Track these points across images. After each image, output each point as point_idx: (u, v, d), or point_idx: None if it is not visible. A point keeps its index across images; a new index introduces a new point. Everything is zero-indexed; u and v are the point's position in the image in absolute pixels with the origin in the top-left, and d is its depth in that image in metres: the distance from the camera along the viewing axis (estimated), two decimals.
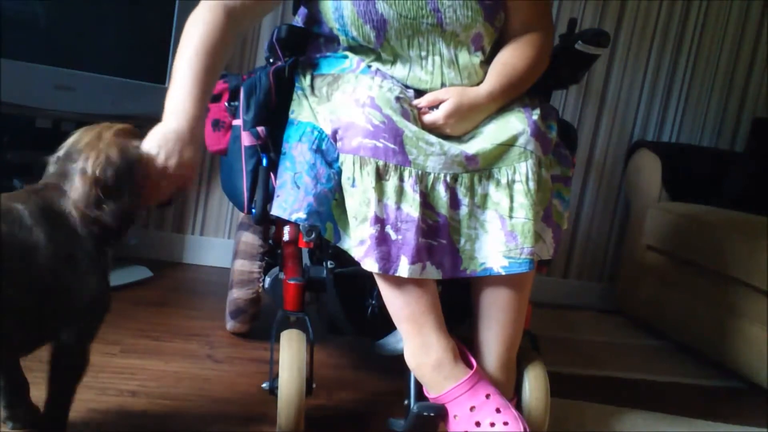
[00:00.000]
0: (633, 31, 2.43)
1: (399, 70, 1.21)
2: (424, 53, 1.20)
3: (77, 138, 1.03)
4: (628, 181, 2.38)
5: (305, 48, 1.33)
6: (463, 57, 1.22)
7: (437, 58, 1.21)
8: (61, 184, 0.98)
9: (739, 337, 1.85)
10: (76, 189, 0.97)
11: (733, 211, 2.09)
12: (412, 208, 1.06)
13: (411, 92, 1.19)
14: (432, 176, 1.08)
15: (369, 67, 1.22)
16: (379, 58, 1.22)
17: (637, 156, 2.34)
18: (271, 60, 1.32)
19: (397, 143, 1.07)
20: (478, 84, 1.22)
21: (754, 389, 1.84)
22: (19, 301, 0.89)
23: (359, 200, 1.07)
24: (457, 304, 1.19)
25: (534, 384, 1.21)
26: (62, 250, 0.94)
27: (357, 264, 1.11)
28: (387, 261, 1.05)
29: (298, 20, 1.37)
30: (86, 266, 0.97)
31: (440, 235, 1.09)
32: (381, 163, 1.06)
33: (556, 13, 2.34)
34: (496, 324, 1.14)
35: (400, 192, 1.06)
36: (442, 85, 1.21)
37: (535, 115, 1.18)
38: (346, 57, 1.26)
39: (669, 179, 2.25)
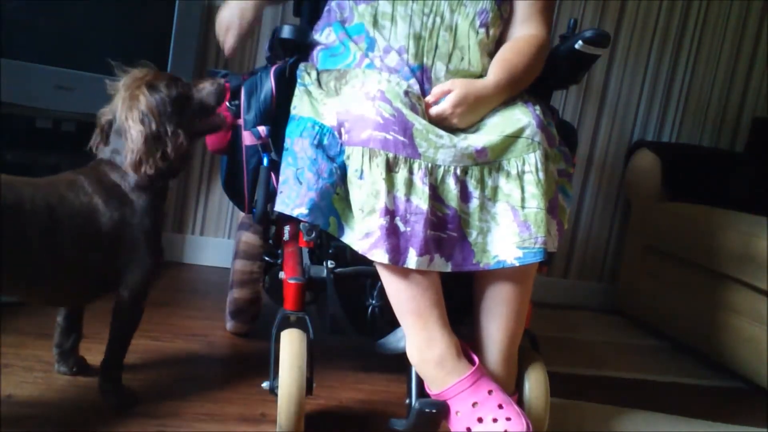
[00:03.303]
0: (633, 31, 2.44)
1: (400, 28, 1.24)
2: (426, 11, 1.23)
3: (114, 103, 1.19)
4: (628, 181, 2.38)
5: (307, 48, 1.33)
6: (463, 27, 1.24)
7: (438, 19, 1.23)
8: (112, 159, 1.17)
9: (739, 337, 1.85)
10: (127, 155, 1.14)
11: (733, 211, 2.09)
12: (421, 200, 1.07)
13: (417, 87, 1.20)
14: (442, 169, 1.09)
15: (372, 64, 1.23)
16: (375, 23, 1.23)
17: (637, 156, 2.34)
18: (272, 60, 1.32)
19: (407, 136, 1.08)
20: (468, 61, 1.25)
21: (754, 389, 1.84)
22: (80, 255, 1.09)
23: (367, 192, 1.07)
24: (457, 302, 1.19)
25: (534, 384, 1.21)
26: (115, 214, 1.13)
27: (357, 263, 1.11)
28: (396, 252, 1.06)
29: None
30: (136, 227, 1.15)
31: (450, 228, 1.09)
32: (391, 155, 1.06)
33: (556, 13, 2.34)
34: (498, 317, 1.15)
35: (410, 184, 1.07)
36: (436, 48, 1.23)
37: (537, 110, 1.19)
38: (348, 52, 1.26)
39: (669, 179, 2.26)
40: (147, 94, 1.15)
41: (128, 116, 1.14)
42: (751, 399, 1.81)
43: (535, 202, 1.11)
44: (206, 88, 1.23)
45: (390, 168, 1.06)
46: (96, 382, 1.23)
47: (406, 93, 1.13)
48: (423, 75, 1.24)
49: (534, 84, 1.30)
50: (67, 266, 1.09)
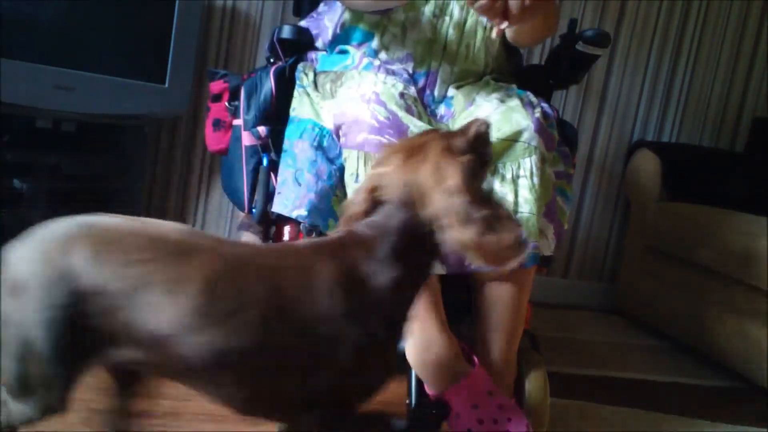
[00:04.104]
0: (633, 31, 2.43)
1: (409, 34, 1.23)
2: (437, 12, 1.23)
3: (394, 176, 0.81)
4: (628, 181, 2.38)
5: (307, 48, 1.33)
6: (471, 22, 1.24)
7: (447, 19, 1.23)
8: (375, 241, 0.80)
9: (739, 337, 1.85)
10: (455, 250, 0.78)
11: (733, 211, 2.09)
12: None
13: (413, 89, 1.19)
14: None
15: (371, 64, 1.23)
16: (385, 31, 1.23)
17: (637, 156, 2.34)
18: (272, 60, 1.32)
19: None
20: (472, 58, 1.25)
21: (754, 389, 1.84)
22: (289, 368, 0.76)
23: None
24: (457, 303, 1.19)
25: (534, 384, 1.21)
26: (347, 320, 0.76)
27: None
28: None
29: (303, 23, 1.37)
30: (370, 340, 0.79)
31: None
32: None
33: None
34: (497, 319, 1.15)
35: None
36: (445, 49, 1.23)
37: (537, 113, 1.19)
38: (347, 54, 1.26)
39: (669, 179, 2.25)
40: (461, 167, 0.79)
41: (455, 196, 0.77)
42: (751, 399, 1.81)
43: (527, 207, 1.11)
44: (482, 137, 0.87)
45: None
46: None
47: (402, 95, 1.12)
48: (427, 79, 1.24)
49: (535, 84, 1.30)
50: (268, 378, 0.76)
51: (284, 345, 0.74)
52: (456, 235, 0.77)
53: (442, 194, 0.78)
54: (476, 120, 0.88)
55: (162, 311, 0.70)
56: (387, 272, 0.79)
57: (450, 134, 0.86)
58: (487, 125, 0.88)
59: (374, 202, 0.82)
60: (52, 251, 0.71)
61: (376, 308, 0.79)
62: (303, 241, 0.85)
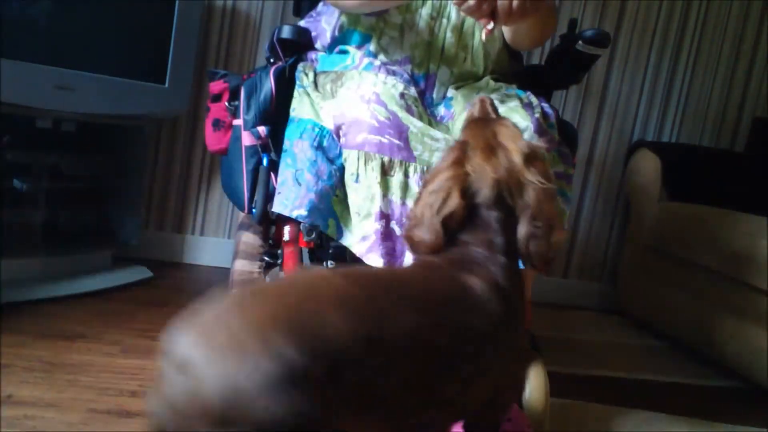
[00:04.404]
0: (633, 31, 2.43)
1: (407, 36, 1.23)
2: (434, 14, 1.23)
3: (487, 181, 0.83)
4: (628, 181, 2.38)
5: (307, 48, 1.33)
6: (468, 24, 1.24)
7: (444, 21, 1.23)
8: (490, 243, 0.82)
9: (739, 337, 1.85)
10: (539, 248, 0.82)
11: (733, 211, 2.09)
12: None
13: (413, 90, 1.19)
14: None
15: (371, 64, 1.23)
16: (382, 34, 1.23)
17: (637, 156, 2.34)
18: (272, 60, 1.32)
19: (402, 139, 1.07)
20: (471, 61, 1.25)
21: (754, 389, 1.84)
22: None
23: (363, 196, 1.07)
24: None
25: (534, 384, 1.21)
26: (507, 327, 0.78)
27: (357, 264, 1.10)
28: (392, 256, 1.06)
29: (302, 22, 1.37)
30: (515, 338, 0.81)
31: None
32: (386, 158, 1.06)
33: (556, 13, 2.34)
34: None
35: (405, 188, 1.07)
36: (443, 51, 1.22)
37: (537, 113, 1.18)
38: (348, 54, 1.26)
39: (669, 179, 2.25)
40: (540, 149, 0.87)
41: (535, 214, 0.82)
42: (751, 399, 1.81)
43: None
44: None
45: (385, 172, 1.06)
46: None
47: (402, 95, 1.12)
48: (427, 82, 1.24)
49: (535, 84, 1.30)
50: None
51: (455, 355, 0.73)
52: (553, 218, 0.82)
53: (536, 179, 0.83)
54: (482, 99, 0.93)
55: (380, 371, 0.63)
56: (510, 268, 0.82)
57: (492, 118, 0.91)
58: (490, 98, 0.95)
59: (467, 204, 0.83)
60: (258, 351, 0.56)
61: (515, 306, 0.80)
62: (427, 257, 0.83)
